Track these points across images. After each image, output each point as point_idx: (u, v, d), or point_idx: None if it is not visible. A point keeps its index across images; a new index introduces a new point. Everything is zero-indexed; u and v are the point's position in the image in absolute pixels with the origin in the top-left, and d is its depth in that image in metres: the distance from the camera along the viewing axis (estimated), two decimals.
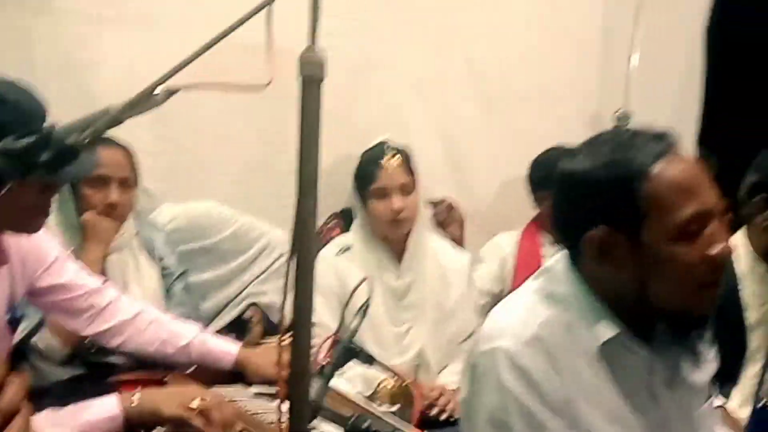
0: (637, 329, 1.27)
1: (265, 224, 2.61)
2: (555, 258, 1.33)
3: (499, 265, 2.75)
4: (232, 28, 1.16)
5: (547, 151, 2.74)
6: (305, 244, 1.09)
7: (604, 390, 1.25)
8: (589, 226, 1.23)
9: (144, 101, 1.15)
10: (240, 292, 2.56)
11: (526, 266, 2.63)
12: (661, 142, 1.23)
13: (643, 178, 1.19)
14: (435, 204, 2.84)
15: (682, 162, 1.22)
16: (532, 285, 1.34)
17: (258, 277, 2.56)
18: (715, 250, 1.20)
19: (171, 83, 1.24)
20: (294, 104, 1.20)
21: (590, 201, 1.24)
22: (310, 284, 1.09)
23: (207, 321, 2.43)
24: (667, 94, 3.38)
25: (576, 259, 1.29)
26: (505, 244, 2.79)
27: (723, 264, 1.22)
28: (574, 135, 2.93)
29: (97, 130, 1.25)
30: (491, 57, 3.00)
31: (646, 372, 1.28)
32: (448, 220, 2.83)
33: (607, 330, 1.25)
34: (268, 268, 2.57)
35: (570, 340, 1.24)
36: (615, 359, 1.26)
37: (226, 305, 2.55)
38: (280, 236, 2.58)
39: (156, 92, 1.19)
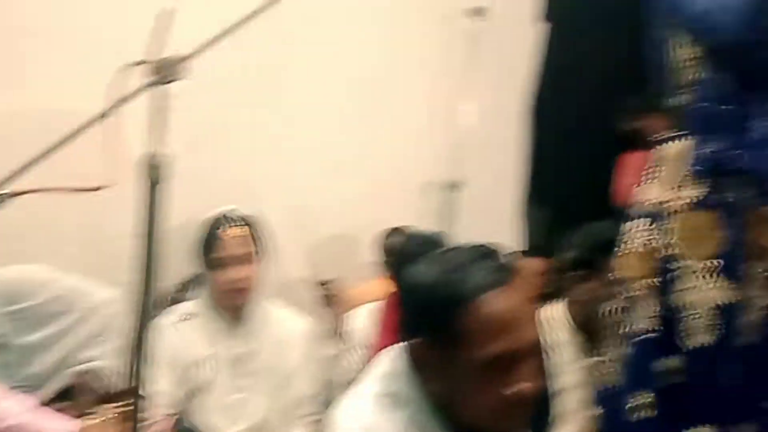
0: None
1: (92, 285, 2.54)
2: (392, 357, 1.33)
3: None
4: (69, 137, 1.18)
5: (392, 236, 2.91)
6: (144, 318, 1.11)
7: None
8: (413, 334, 1.27)
9: None
10: (66, 357, 2.47)
11: None
12: (497, 273, 1.22)
13: (462, 308, 1.20)
14: (323, 284, 2.95)
15: (507, 297, 1.21)
16: (371, 389, 1.31)
17: (85, 340, 2.49)
18: (511, 390, 1.20)
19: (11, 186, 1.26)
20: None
21: (416, 312, 1.27)
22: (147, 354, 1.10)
23: (34, 389, 2.32)
24: (500, 162, 3.59)
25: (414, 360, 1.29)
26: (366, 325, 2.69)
27: (521, 403, 1.22)
28: (400, 202, 3.10)
29: None
30: (327, 119, 3.12)
31: None
32: (335, 300, 2.91)
33: None
34: (94, 331, 2.50)
35: None
36: None
37: (53, 372, 2.45)
38: (107, 296, 2.53)
39: None
